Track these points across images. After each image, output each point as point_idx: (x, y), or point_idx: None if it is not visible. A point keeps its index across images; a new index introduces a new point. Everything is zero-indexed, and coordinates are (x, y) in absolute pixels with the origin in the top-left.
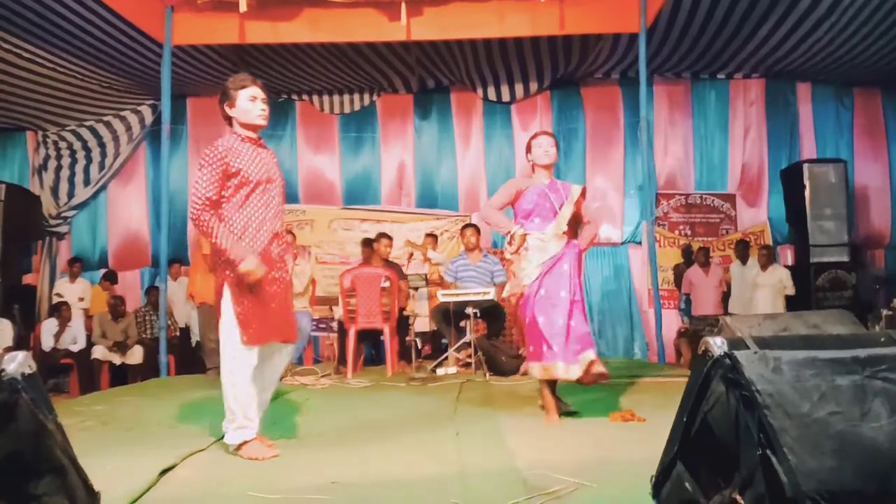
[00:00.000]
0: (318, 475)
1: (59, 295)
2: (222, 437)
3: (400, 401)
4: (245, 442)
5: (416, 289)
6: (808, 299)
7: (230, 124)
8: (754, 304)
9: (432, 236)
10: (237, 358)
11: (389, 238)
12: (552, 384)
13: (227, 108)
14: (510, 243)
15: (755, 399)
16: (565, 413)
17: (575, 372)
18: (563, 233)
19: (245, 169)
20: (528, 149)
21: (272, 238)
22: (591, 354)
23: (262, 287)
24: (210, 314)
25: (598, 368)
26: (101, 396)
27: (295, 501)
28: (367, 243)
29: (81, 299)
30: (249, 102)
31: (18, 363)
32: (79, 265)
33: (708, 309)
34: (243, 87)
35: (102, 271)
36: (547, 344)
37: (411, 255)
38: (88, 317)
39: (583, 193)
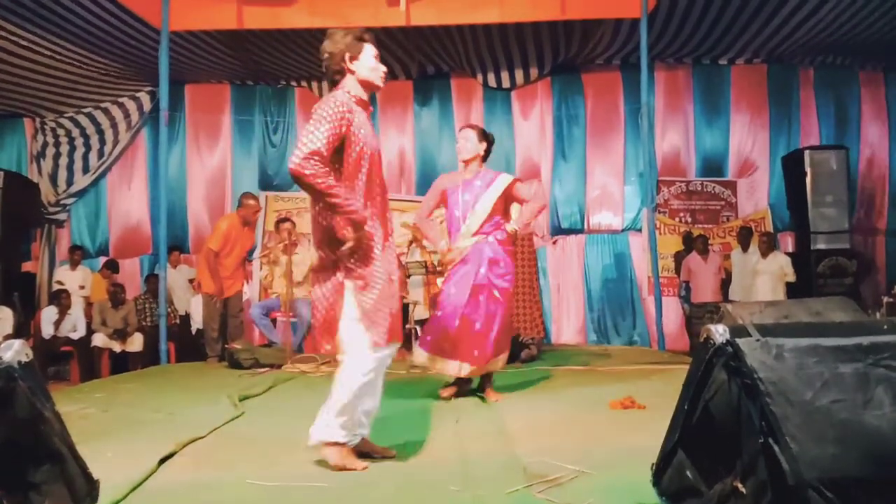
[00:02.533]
0: (318, 463)
1: (59, 283)
2: (224, 424)
3: (400, 388)
4: (338, 444)
5: (409, 276)
6: (809, 286)
7: (336, 81)
8: (755, 291)
9: None
10: (370, 361)
11: None
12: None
13: (348, 61)
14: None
15: (757, 387)
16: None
17: (465, 370)
18: (477, 231)
19: (364, 137)
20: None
21: (389, 228)
22: (464, 367)
23: (389, 280)
24: (213, 304)
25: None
26: (101, 384)
27: (294, 488)
28: None
29: (82, 287)
30: (375, 60)
31: (15, 351)
32: (79, 253)
33: (707, 296)
34: (368, 41)
35: (103, 259)
36: (437, 337)
37: (412, 241)
38: (89, 304)
39: (511, 185)
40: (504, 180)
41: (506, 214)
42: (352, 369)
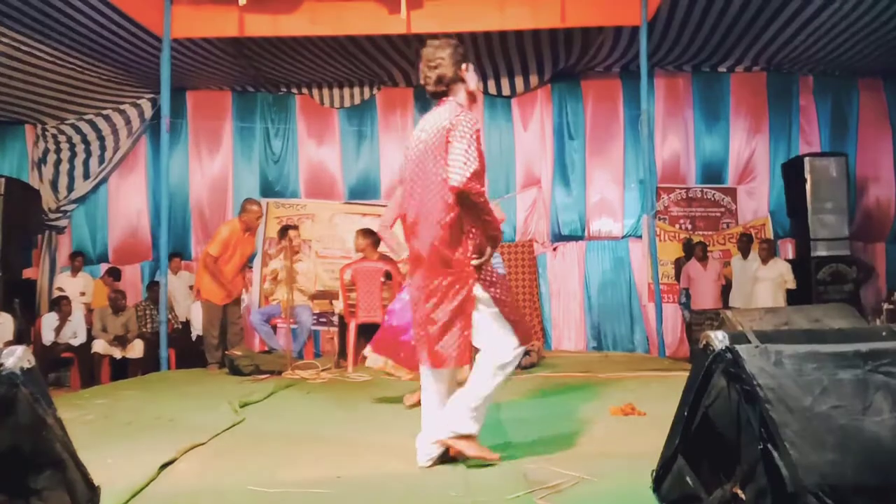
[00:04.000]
0: (319, 469)
1: (60, 289)
2: (225, 430)
3: (401, 394)
4: (472, 436)
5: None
6: (809, 293)
7: (442, 93)
8: (755, 298)
9: None
10: (512, 358)
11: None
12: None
13: (463, 71)
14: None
15: (756, 393)
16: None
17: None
18: None
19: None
20: None
21: None
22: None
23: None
24: (213, 310)
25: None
26: (101, 390)
27: (295, 495)
28: (367, 234)
29: (83, 293)
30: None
31: (17, 357)
32: (80, 259)
33: (707, 303)
34: None
35: (103, 265)
36: (392, 342)
37: None
38: (89, 311)
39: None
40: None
41: None
42: (494, 364)
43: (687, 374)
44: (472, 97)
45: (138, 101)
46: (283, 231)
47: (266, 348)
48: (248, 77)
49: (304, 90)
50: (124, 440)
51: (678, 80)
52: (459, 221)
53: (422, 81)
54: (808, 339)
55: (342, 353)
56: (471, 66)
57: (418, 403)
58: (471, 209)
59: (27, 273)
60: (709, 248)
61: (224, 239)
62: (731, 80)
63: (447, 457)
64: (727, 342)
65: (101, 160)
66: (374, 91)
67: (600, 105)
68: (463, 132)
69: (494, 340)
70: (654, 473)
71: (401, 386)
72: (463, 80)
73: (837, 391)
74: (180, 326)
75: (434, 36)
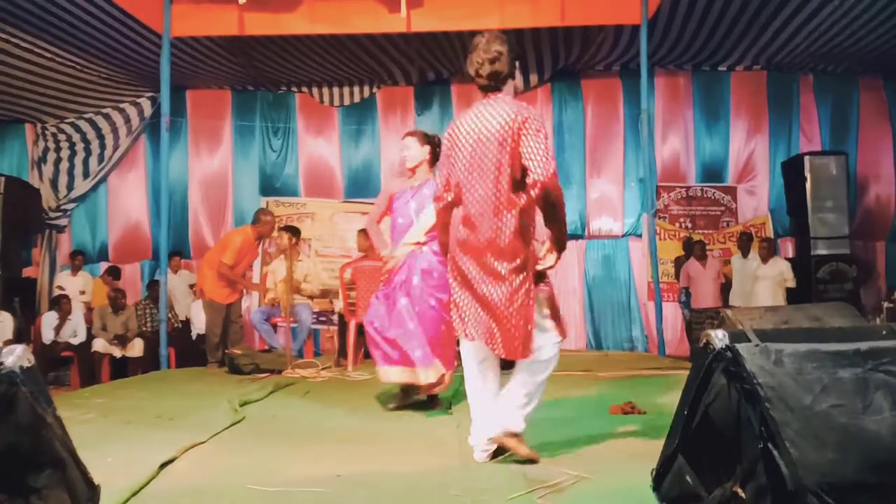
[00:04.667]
0: (319, 467)
1: (60, 288)
2: (225, 429)
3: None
4: (521, 434)
5: None
6: (809, 291)
7: (494, 88)
8: (755, 297)
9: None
10: (554, 356)
11: None
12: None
13: (516, 67)
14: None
15: (756, 392)
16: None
17: (398, 375)
18: (419, 243)
19: None
20: None
21: None
22: (397, 372)
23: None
24: (217, 309)
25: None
26: (101, 389)
27: (295, 494)
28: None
29: (83, 292)
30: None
31: (17, 356)
32: (80, 258)
33: (707, 301)
34: None
35: (103, 265)
36: (378, 351)
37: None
38: (89, 310)
39: None
40: None
41: None
42: (546, 362)
43: (687, 372)
44: (515, 92)
45: (138, 100)
46: (283, 231)
47: (266, 347)
48: (248, 76)
49: (304, 89)
50: (124, 439)
51: (678, 78)
52: (524, 216)
53: (471, 71)
54: (808, 337)
55: (342, 351)
56: (518, 65)
57: (397, 407)
58: (549, 206)
59: (27, 272)
60: (709, 247)
61: (238, 248)
62: (732, 78)
63: (500, 451)
64: (727, 341)
65: (101, 159)
66: (375, 89)
67: (600, 104)
68: (538, 127)
69: (541, 337)
70: (653, 472)
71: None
72: (514, 78)
73: (837, 390)
74: (180, 325)
75: (433, 34)
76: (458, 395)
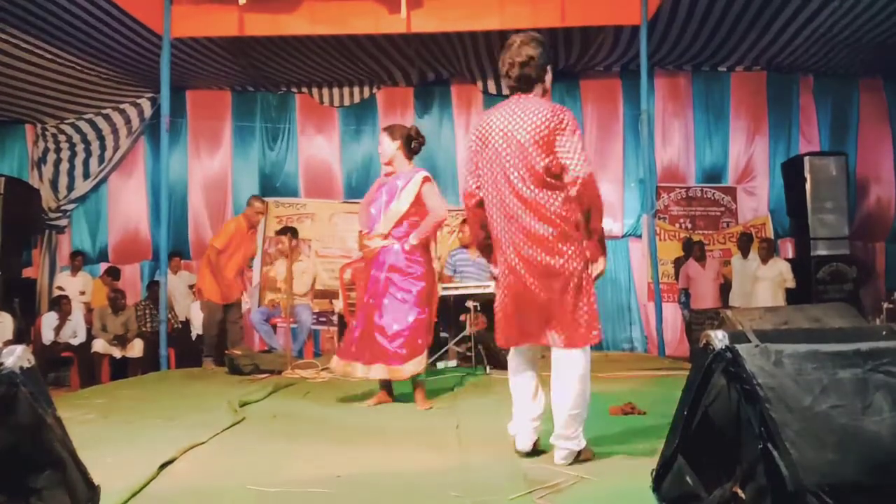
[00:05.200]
0: (318, 468)
1: (60, 288)
2: (224, 430)
3: (399, 392)
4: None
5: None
6: (809, 292)
7: (523, 90)
8: (755, 297)
9: None
10: (589, 363)
11: None
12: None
13: (547, 71)
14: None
15: (756, 392)
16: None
17: (377, 373)
18: (388, 234)
19: None
20: None
21: None
22: (372, 370)
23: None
24: (214, 309)
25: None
26: (101, 390)
27: (294, 494)
28: None
29: (83, 293)
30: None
31: (17, 357)
32: (80, 258)
33: (707, 302)
34: None
35: (103, 265)
36: (347, 343)
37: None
38: (89, 310)
39: (421, 185)
40: (418, 179)
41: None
42: (585, 368)
43: (686, 373)
44: (547, 95)
45: (138, 101)
46: (283, 232)
47: (266, 347)
48: (248, 76)
49: (304, 89)
50: (124, 440)
51: (678, 79)
52: (568, 215)
53: (501, 70)
54: (808, 338)
55: None
56: (549, 68)
57: (378, 402)
58: (587, 203)
59: (27, 272)
60: (709, 248)
61: (230, 233)
62: (732, 79)
63: (538, 445)
64: (727, 341)
65: (101, 160)
66: (374, 90)
67: (600, 104)
68: (574, 127)
69: (585, 344)
70: (653, 473)
71: (399, 385)
72: (544, 81)
73: (837, 390)
74: (180, 326)
75: (433, 35)
76: (461, 394)
